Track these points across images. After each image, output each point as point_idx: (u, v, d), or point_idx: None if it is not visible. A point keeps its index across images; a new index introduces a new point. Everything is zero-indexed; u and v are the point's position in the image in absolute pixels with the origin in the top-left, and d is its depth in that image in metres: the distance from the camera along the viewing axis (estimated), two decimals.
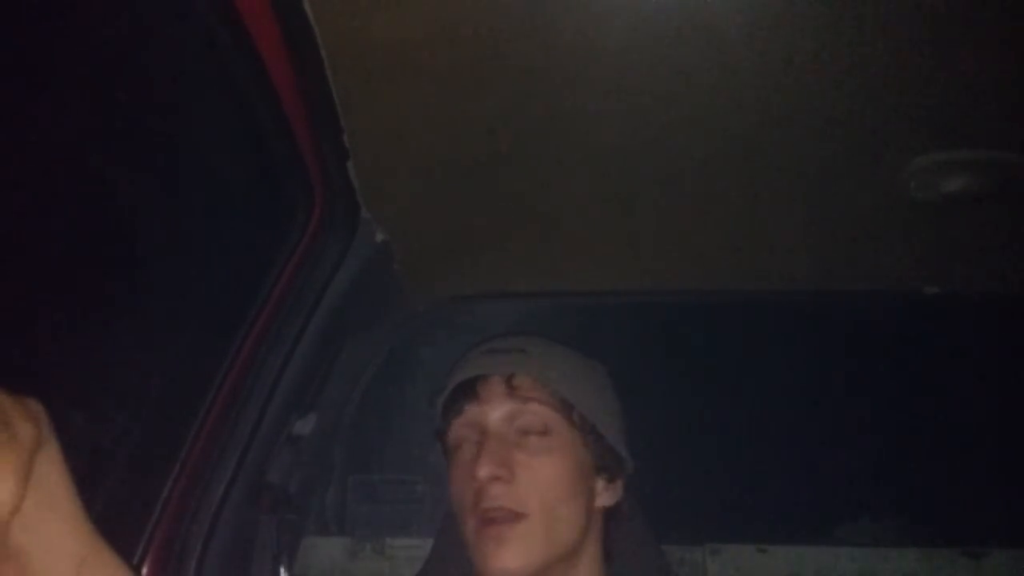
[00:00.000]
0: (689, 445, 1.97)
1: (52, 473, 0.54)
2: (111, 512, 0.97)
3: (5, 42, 0.81)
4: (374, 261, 1.38)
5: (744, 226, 1.37)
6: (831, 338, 2.03)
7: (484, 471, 0.98)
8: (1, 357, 0.51)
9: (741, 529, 1.80)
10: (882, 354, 2.11)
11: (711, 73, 0.98)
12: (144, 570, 1.02)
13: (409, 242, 1.41)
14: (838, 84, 1.00)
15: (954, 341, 2.03)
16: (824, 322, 1.97)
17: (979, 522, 1.89)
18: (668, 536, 1.50)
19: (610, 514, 1.08)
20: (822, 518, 1.98)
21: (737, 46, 0.94)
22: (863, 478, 2.08)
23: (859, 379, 2.10)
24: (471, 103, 1.04)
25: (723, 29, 0.92)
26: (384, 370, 1.77)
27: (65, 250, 0.98)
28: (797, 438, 2.07)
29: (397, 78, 0.99)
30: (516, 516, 0.98)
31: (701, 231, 1.38)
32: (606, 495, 1.07)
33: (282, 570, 1.39)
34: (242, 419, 1.20)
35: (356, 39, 0.92)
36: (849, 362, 2.11)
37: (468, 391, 1.06)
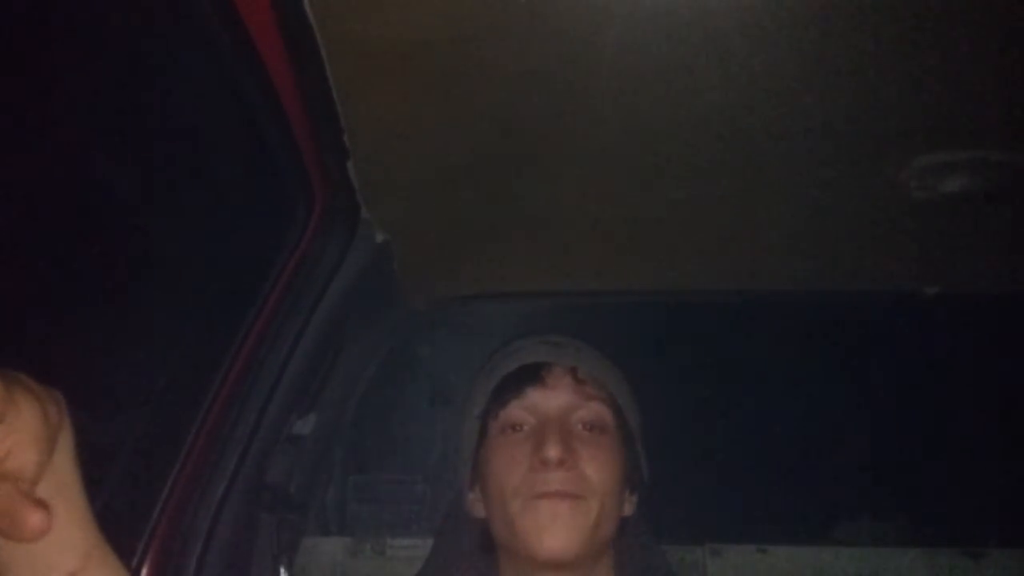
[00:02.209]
0: (689, 445, 1.98)
1: (66, 463, 0.54)
2: (111, 512, 0.97)
3: (5, 42, 0.81)
4: (374, 261, 1.38)
5: (744, 226, 1.37)
6: (831, 338, 2.03)
7: (554, 452, 0.98)
8: (1, 357, 0.52)
9: (741, 529, 1.80)
10: (882, 354, 2.11)
11: (711, 73, 0.98)
12: (144, 570, 1.02)
13: (409, 242, 1.41)
14: (838, 84, 1.00)
15: (954, 341, 2.03)
16: (824, 322, 1.97)
17: (979, 522, 1.89)
18: (668, 536, 1.50)
19: (625, 524, 1.09)
20: (822, 518, 1.98)
21: (737, 47, 0.94)
22: (863, 478, 2.08)
23: (859, 379, 2.11)
24: (471, 103, 1.04)
25: (723, 29, 0.91)
26: (384, 370, 1.77)
27: (64, 250, 0.98)
28: (797, 438, 2.07)
29: (397, 78, 0.99)
30: (575, 497, 0.98)
31: (701, 231, 1.39)
32: (627, 505, 1.09)
33: (282, 570, 1.39)
34: (242, 419, 1.20)
35: (356, 39, 0.92)
36: (849, 362, 2.11)
37: (532, 375, 1.06)
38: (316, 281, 1.30)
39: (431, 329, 1.98)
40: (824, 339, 2.02)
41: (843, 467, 2.07)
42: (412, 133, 1.10)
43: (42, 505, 0.49)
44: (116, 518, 0.98)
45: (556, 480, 0.98)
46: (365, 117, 1.06)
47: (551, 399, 1.04)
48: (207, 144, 1.15)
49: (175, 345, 1.19)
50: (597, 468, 1.00)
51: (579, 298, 1.72)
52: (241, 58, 0.94)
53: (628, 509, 1.09)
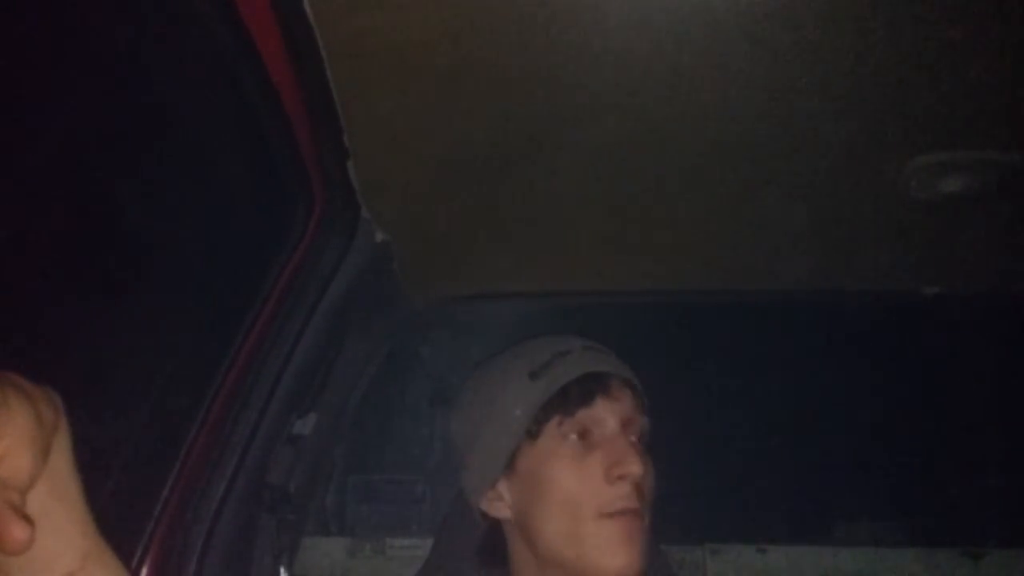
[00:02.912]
0: (689, 445, 1.98)
1: (64, 464, 0.54)
2: (111, 512, 0.96)
3: (5, 42, 0.81)
4: (374, 261, 1.38)
5: (744, 226, 1.37)
6: (831, 338, 2.03)
7: (637, 467, 0.97)
8: (1, 356, 0.51)
9: (741, 529, 1.80)
10: (882, 354, 2.11)
11: (711, 73, 0.98)
12: (144, 570, 1.02)
13: (409, 242, 1.41)
14: (838, 84, 1.00)
15: (954, 341, 2.03)
16: (824, 322, 1.97)
17: (979, 522, 1.89)
18: (668, 536, 1.50)
19: None
20: (822, 518, 1.98)
21: (737, 46, 0.94)
22: (863, 478, 2.08)
23: (859, 379, 2.11)
24: (471, 103, 1.04)
25: (723, 29, 0.92)
26: (384, 370, 1.77)
27: (64, 250, 0.98)
28: (797, 438, 2.07)
29: (397, 78, 0.99)
30: (641, 516, 0.99)
31: (701, 231, 1.39)
32: None
33: (282, 570, 1.38)
34: (242, 419, 1.20)
35: (356, 39, 0.92)
36: (849, 362, 2.11)
37: (600, 385, 1.03)
38: (316, 281, 1.30)
39: (431, 329, 1.98)
40: (824, 339, 2.02)
41: (843, 467, 2.07)
42: (412, 133, 1.10)
43: (27, 519, 0.48)
44: (116, 518, 0.98)
45: (629, 496, 0.97)
46: (365, 117, 1.06)
47: (617, 411, 1.03)
48: (207, 144, 1.15)
49: (175, 345, 1.18)
50: (649, 483, 1.01)
51: (579, 298, 1.72)
52: (241, 58, 0.94)
53: None
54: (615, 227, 1.38)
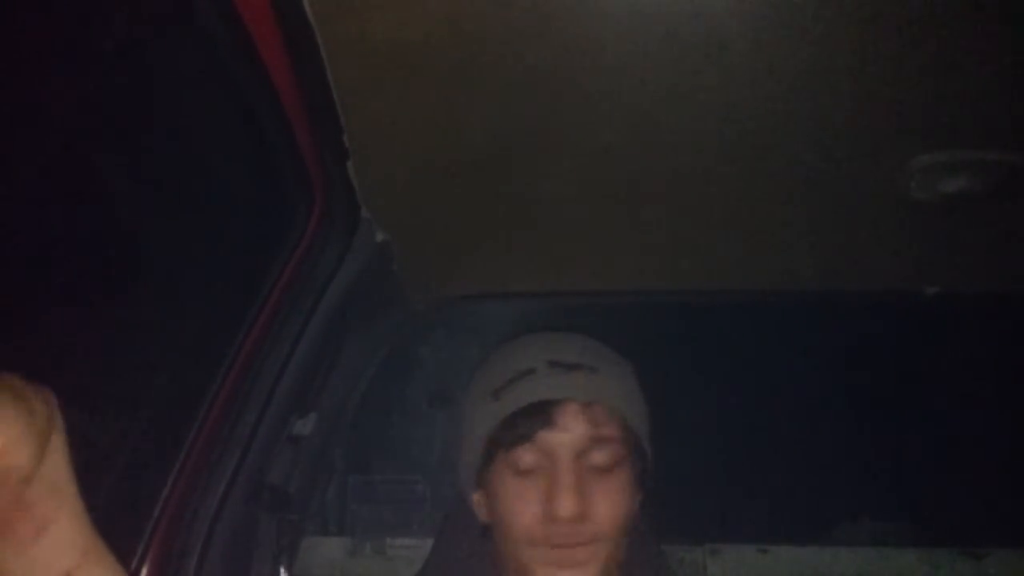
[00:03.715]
0: (689, 445, 1.98)
1: (59, 462, 0.54)
2: (111, 512, 0.97)
3: (5, 42, 0.81)
4: (374, 261, 1.38)
5: (744, 226, 1.37)
6: (831, 338, 2.03)
7: (567, 509, 0.94)
8: (1, 356, 0.52)
9: (741, 529, 1.80)
10: (882, 354, 2.12)
11: (711, 73, 0.98)
12: (144, 570, 1.02)
13: (409, 242, 1.41)
14: (838, 84, 1.00)
15: (954, 341, 2.03)
16: (824, 322, 1.97)
17: (979, 522, 1.89)
18: (668, 536, 1.50)
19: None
20: (822, 518, 1.98)
21: (737, 46, 0.94)
22: (863, 478, 2.08)
23: (859, 379, 2.11)
24: (471, 103, 1.04)
25: (723, 29, 0.92)
26: (384, 370, 1.77)
27: (64, 250, 0.98)
28: (797, 438, 2.07)
29: (397, 78, 0.99)
30: (592, 540, 0.97)
31: (701, 231, 1.39)
32: (635, 506, 1.07)
33: (282, 570, 1.39)
34: (242, 419, 1.20)
35: (356, 39, 0.92)
36: (849, 362, 2.11)
37: (543, 416, 0.98)
38: (316, 281, 1.30)
39: (431, 329, 1.98)
40: (824, 339, 2.03)
41: (843, 467, 2.08)
42: (412, 133, 1.10)
43: (37, 509, 0.48)
44: (116, 518, 0.98)
45: (575, 534, 0.95)
46: (365, 117, 1.06)
47: (563, 443, 0.98)
48: (207, 144, 1.15)
49: (175, 345, 1.18)
50: (610, 510, 0.97)
51: (579, 298, 1.72)
52: (241, 58, 0.94)
53: (635, 507, 1.07)
54: (615, 227, 1.38)
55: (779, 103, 1.04)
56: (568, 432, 0.98)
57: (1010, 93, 1.02)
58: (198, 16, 0.90)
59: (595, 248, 1.46)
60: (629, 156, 1.15)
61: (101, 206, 1.03)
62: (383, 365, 1.76)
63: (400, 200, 1.28)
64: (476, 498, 1.09)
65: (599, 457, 0.98)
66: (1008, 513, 1.86)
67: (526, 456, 0.98)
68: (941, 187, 1.19)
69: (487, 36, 0.92)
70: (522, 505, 0.98)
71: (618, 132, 1.10)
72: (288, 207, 1.23)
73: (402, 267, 1.47)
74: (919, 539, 1.79)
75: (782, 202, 1.28)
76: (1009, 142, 1.13)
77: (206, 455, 1.13)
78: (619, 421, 1.01)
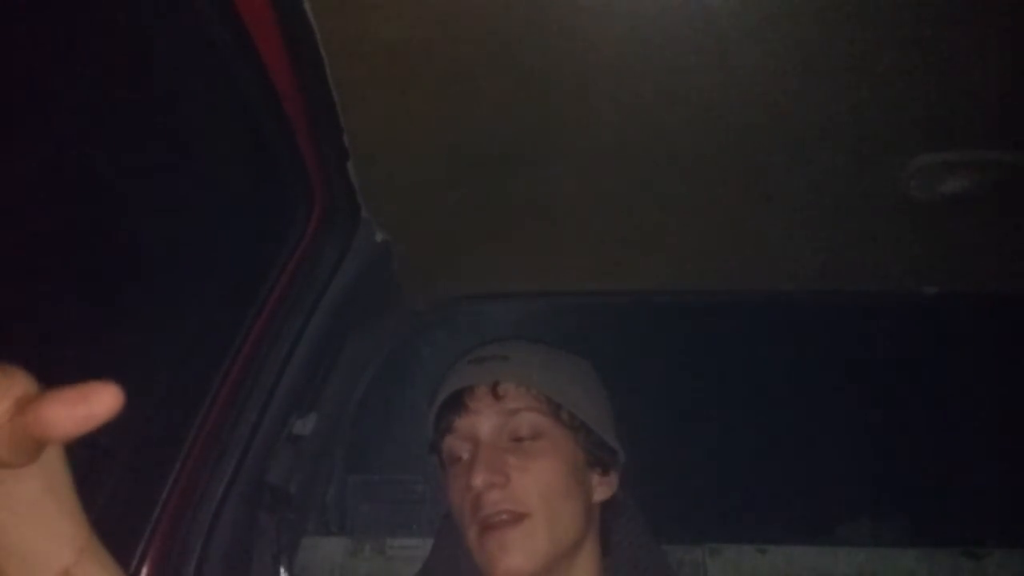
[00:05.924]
0: (689, 445, 1.98)
1: (56, 459, 0.54)
2: (111, 512, 0.97)
3: (6, 43, 0.81)
4: (374, 261, 1.38)
5: (744, 226, 1.37)
6: (831, 338, 2.03)
7: (479, 479, 1.00)
8: (0, 356, 0.52)
9: (741, 529, 1.80)
10: (882, 354, 2.11)
11: (711, 73, 0.98)
12: (144, 570, 1.02)
13: (409, 242, 1.41)
14: (838, 84, 1.00)
15: (954, 341, 2.03)
16: (824, 322, 1.97)
17: (979, 522, 1.89)
18: (668, 536, 1.50)
19: (607, 507, 1.10)
20: (822, 518, 1.98)
21: (737, 46, 0.94)
22: (863, 478, 2.08)
23: (859, 379, 2.11)
24: (471, 103, 1.04)
25: (723, 29, 0.92)
26: (384, 370, 1.77)
27: (65, 250, 0.98)
28: (797, 438, 2.07)
29: (397, 78, 0.99)
30: (517, 517, 0.99)
31: (701, 231, 1.38)
32: (602, 488, 1.09)
33: (282, 570, 1.39)
34: (242, 419, 1.20)
35: (356, 39, 0.92)
36: (848, 362, 2.11)
37: (456, 404, 1.07)
38: (316, 281, 1.30)
39: (431, 329, 1.98)
40: (824, 339, 2.02)
41: (843, 467, 2.07)
42: (412, 133, 1.10)
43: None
44: (116, 518, 0.98)
45: (495, 502, 0.99)
46: (365, 117, 1.06)
47: (478, 424, 1.05)
48: (207, 144, 1.15)
49: (175, 345, 1.19)
50: (534, 478, 1.01)
51: (579, 298, 1.72)
52: (241, 58, 0.94)
53: (604, 492, 1.09)
54: (615, 227, 1.38)
55: (779, 104, 1.04)
56: (479, 414, 1.06)
57: (1010, 93, 1.02)
58: (198, 17, 0.90)
59: (595, 248, 1.46)
60: (628, 156, 1.15)
61: (101, 206, 1.03)
62: (383, 365, 1.76)
63: (400, 200, 1.28)
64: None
65: (519, 429, 1.05)
66: (1008, 513, 1.86)
67: (454, 445, 1.07)
68: (941, 187, 1.19)
69: (487, 36, 0.92)
70: (454, 489, 1.06)
71: (618, 132, 1.10)
72: (288, 207, 1.23)
73: (402, 267, 1.47)
74: (919, 539, 1.79)
75: (782, 202, 1.28)
76: (1009, 142, 1.13)
77: (206, 455, 1.13)
78: (535, 393, 1.07)
